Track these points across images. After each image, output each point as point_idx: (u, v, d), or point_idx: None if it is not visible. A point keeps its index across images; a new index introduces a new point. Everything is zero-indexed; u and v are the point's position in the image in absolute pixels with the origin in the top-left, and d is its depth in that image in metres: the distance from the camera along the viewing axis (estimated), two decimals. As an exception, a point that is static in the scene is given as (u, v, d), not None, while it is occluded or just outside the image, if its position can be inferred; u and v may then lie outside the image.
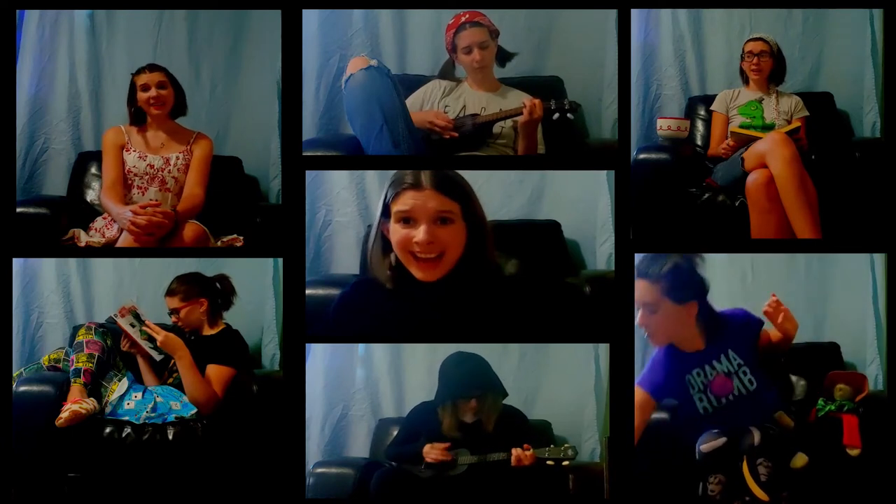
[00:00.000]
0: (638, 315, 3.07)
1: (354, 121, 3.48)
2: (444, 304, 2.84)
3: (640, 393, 3.12)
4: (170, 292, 3.57)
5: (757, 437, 3.14)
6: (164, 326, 3.55)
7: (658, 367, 3.17)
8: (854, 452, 3.27)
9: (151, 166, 3.57)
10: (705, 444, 3.19)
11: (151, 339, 3.51)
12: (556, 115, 3.56)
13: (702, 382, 3.13)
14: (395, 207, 2.78)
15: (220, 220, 3.57)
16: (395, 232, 2.78)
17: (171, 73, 3.59)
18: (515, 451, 3.25)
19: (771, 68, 3.78)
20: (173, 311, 3.57)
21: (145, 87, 3.56)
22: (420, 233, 2.74)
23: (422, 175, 2.77)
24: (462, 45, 3.62)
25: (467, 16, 3.60)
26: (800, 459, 3.20)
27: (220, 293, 3.59)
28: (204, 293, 3.57)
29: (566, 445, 3.27)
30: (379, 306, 2.90)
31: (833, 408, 3.37)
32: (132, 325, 3.52)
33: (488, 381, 3.40)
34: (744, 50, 3.80)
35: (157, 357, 3.54)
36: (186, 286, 3.56)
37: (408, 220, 2.76)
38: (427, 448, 3.32)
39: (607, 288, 3.36)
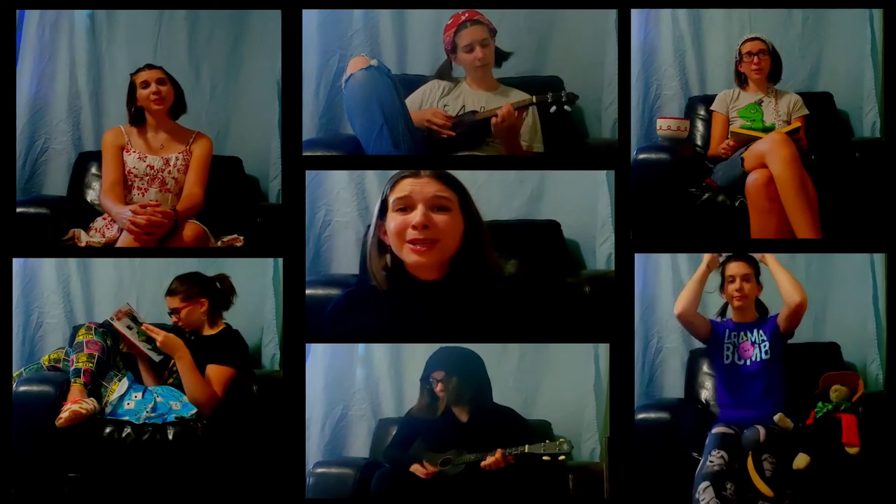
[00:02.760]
0: (732, 287, 3.51)
1: (354, 121, 3.48)
2: (441, 307, 2.80)
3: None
4: (170, 292, 3.57)
5: (762, 433, 3.22)
6: (163, 327, 3.54)
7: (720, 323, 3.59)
8: (853, 451, 3.27)
9: (151, 167, 3.57)
10: (716, 428, 3.30)
11: (150, 341, 3.51)
12: (553, 108, 3.57)
13: (734, 342, 3.50)
14: (394, 196, 2.75)
15: (221, 220, 3.57)
16: (392, 221, 2.75)
17: (168, 73, 3.60)
18: (490, 458, 3.22)
19: (770, 67, 3.78)
20: (174, 311, 3.57)
21: (145, 84, 3.56)
22: (416, 215, 2.72)
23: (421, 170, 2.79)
24: (463, 43, 3.62)
25: (467, 14, 3.60)
26: (802, 460, 3.22)
27: (220, 293, 3.59)
28: (204, 293, 3.57)
29: (561, 440, 3.25)
30: (374, 312, 2.86)
31: (831, 408, 3.37)
32: (129, 328, 3.51)
33: (460, 364, 3.34)
34: (741, 52, 3.79)
35: (157, 358, 3.54)
36: (187, 286, 3.56)
37: (405, 207, 2.74)
38: (415, 468, 3.30)
39: (607, 288, 3.36)
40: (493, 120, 3.52)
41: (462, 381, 3.34)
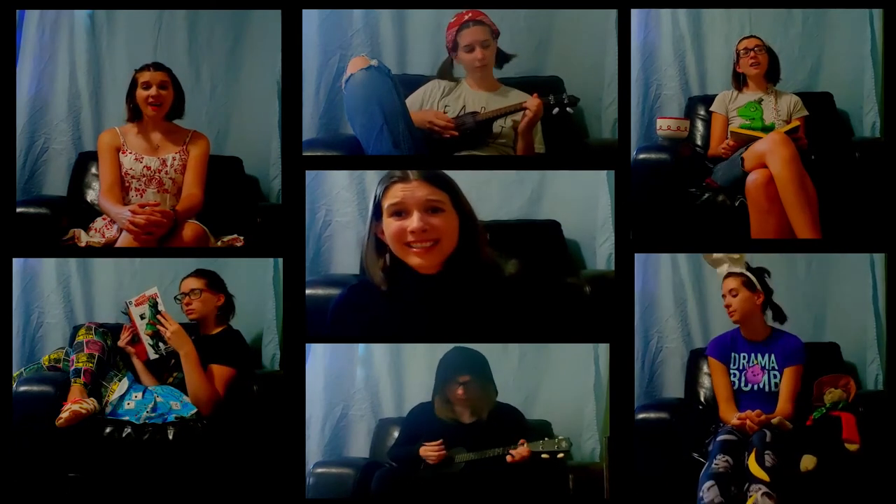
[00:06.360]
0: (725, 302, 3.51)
1: (354, 121, 3.48)
2: (441, 303, 2.84)
3: (712, 361, 3.53)
4: (196, 274, 3.57)
5: (769, 435, 3.22)
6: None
7: (724, 339, 3.54)
8: (853, 448, 3.27)
9: (148, 168, 3.57)
10: (721, 436, 3.28)
11: (154, 336, 3.50)
12: (555, 110, 3.57)
13: (743, 364, 3.48)
14: (387, 202, 2.81)
15: (221, 220, 3.57)
16: (389, 226, 2.81)
17: (174, 75, 3.59)
18: (512, 450, 3.25)
19: (768, 63, 3.77)
20: (192, 292, 3.55)
21: (146, 85, 3.55)
22: (413, 221, 2.78)
23: (409, 171, 2.83)
24: (464, 42, 3.62)
25: (470, 14, 3.60)
26: (809, 461, 3.21)
27: (231, 301, 3.60)
28: (224, 291, 3.59)
29: (560, 438, 3.27)
30: (375, 309, 2.90)
31: (829, 406, 3.37)
32: (142, 317, 3.50)
33: (481, 369, 3.40)
34: (738, 51, 3.79)
35: (153, 356, 3.52)
36: (212, 277, 3.58)
37: (400, 212, 2.80)
38: (423, 450, 3.32)
39: (607, 288, 3.36)
40: (523, 120, 3.52)
41: (491, 386, 3.40)
